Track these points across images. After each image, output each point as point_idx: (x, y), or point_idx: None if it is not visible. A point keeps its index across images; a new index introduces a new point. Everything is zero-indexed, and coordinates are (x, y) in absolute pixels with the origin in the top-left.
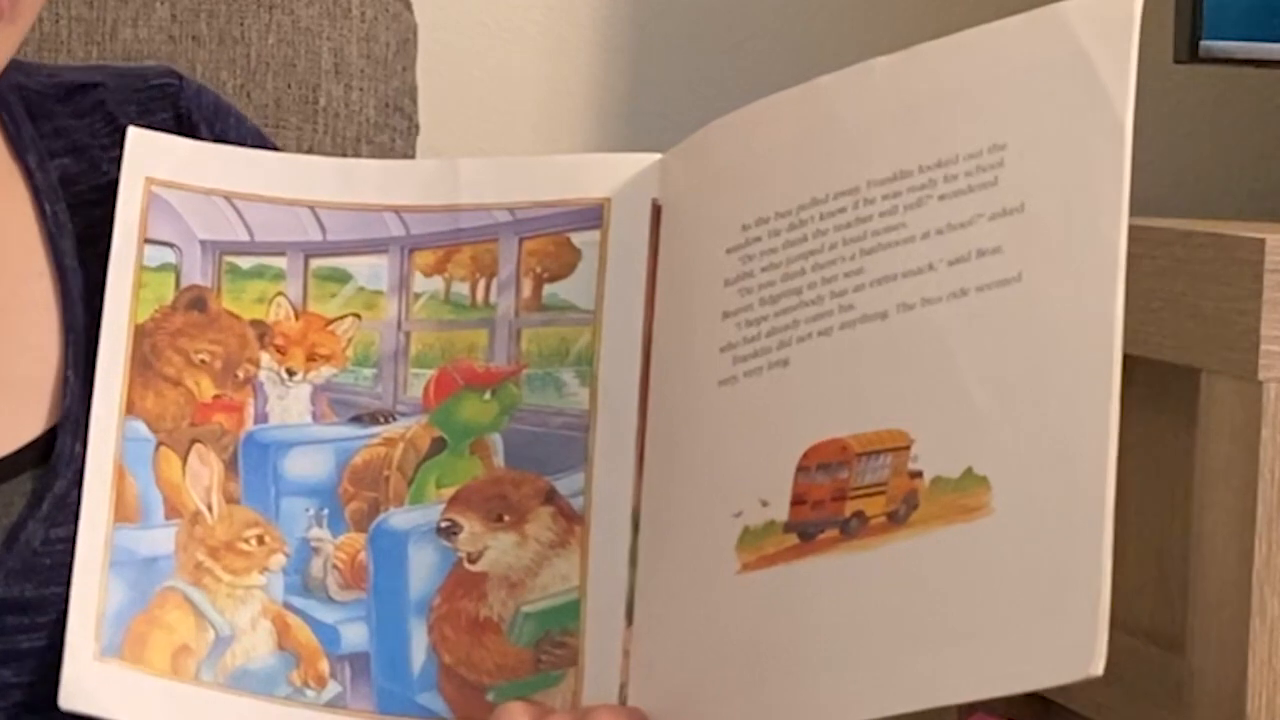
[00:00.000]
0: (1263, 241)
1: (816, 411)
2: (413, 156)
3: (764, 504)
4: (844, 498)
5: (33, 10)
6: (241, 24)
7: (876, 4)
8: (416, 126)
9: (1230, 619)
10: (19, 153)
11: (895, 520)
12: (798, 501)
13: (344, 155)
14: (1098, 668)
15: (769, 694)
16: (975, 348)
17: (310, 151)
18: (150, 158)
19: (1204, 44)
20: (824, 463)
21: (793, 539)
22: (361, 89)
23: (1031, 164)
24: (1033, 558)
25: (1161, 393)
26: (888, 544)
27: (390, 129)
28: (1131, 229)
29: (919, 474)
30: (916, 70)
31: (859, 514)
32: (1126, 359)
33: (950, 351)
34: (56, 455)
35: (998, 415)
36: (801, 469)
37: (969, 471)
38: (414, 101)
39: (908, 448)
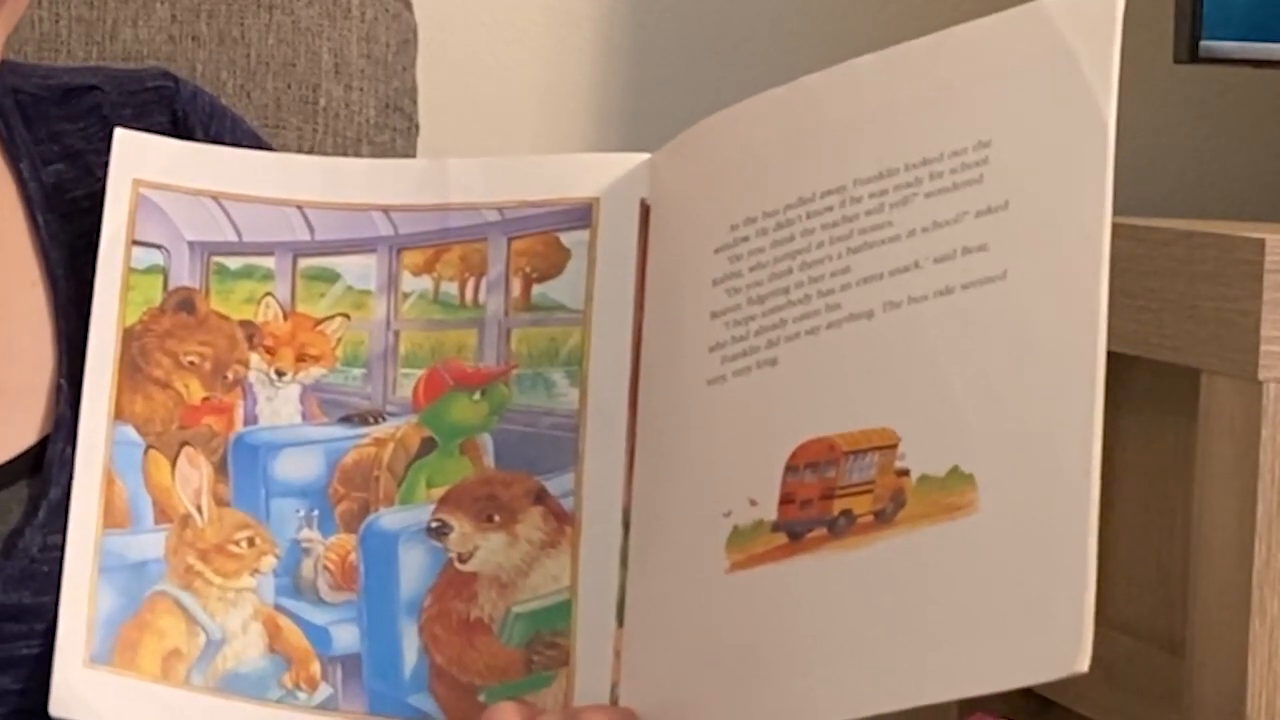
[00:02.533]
0: (1263, 241)
1: (804, 411)
2: (413, 156)
3: (753, 503)
4: (832, 497)
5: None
6: (241, 24)
7: (876, 4)
8: (416, 126)
9: (1230, 619)
10: (13, 159)
11: (882, 519)
12: (786, 501)
13: (344, 155)
14: (1083, 664)
15: (759, 694)
16: (960, 346)
17: (311, 152)
18: (138, 159)
19: (1204, 44)
20: (812, 462)
21: (781, 538)
22: (361, 89)
23: (1016, 161)
24: (1019, 555)
25: (1161, 393)
26: (875, 543)
27: (390, 129)
28: (1131, 229)
29: (906, 472)
30: (901, 68)
31: (846, 513)
32: (1126, 359)
33: (935, 350)
34: (49, 462)
35: (983, 413)
36: (790, 468)
37: (955, 470)
38: (414, 101)
39: (895, 446)
